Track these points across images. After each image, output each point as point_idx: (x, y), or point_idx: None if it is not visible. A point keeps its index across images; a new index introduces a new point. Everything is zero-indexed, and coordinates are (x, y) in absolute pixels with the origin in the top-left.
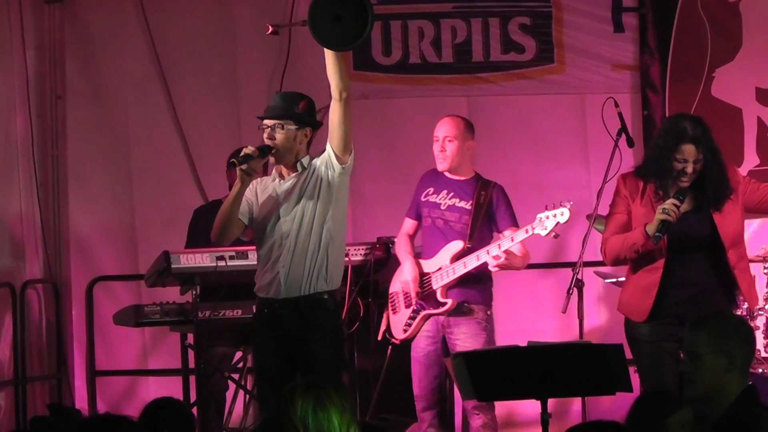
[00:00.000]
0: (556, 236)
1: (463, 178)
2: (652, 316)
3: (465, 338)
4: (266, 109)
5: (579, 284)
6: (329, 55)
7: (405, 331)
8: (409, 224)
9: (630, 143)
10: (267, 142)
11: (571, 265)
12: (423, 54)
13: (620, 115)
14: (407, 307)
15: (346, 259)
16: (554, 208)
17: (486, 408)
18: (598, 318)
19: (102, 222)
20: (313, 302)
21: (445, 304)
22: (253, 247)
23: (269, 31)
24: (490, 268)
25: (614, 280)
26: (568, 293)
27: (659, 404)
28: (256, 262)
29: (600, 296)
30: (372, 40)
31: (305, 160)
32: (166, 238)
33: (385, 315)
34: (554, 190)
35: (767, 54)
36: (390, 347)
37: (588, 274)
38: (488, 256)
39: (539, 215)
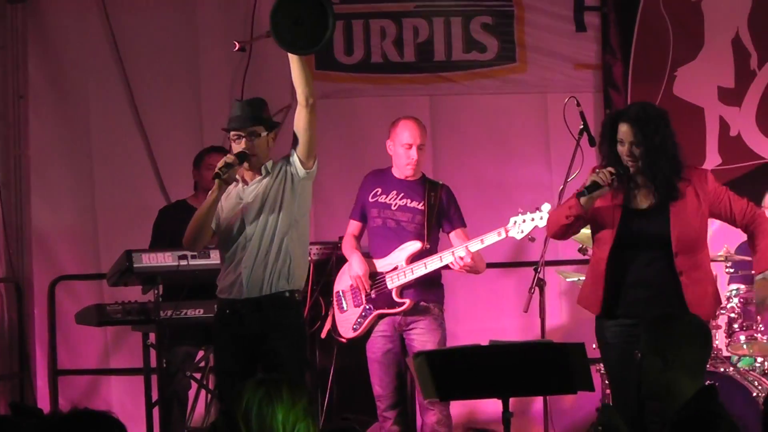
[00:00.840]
0: (532, 239)
1: (412, 179)
2: (609, 313)
3: (422, 333)
4: (235, 119)
5: (541, 283)
6: (294, 61)
7: (355, 330)
8: (354, 226)
9: (592, 142)
10: (238, 149)
11: (533, 264)
12: (385, 53)
13: (582, 114)
14: (356, 305)
15: (309, 258)
16: (528, 211)
17: (441, 404)
18: (560, 317)
19: (64, 221)
20: (275, 301)
21: (401, 304)
22: (215, 247)
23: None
24: (455, 268)
25: (576, 278)
26: (530, 292)
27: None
28: (218, 262)
29: (562, 295)
30: (334, 40)
31: (269, 165)
32: (128, 237)
33: (330, 313)
34: (516, 189)
35: (729, 53)
36: (336, 346)
37: (550, 273)
38: (454, 257)
39: (513, 218)
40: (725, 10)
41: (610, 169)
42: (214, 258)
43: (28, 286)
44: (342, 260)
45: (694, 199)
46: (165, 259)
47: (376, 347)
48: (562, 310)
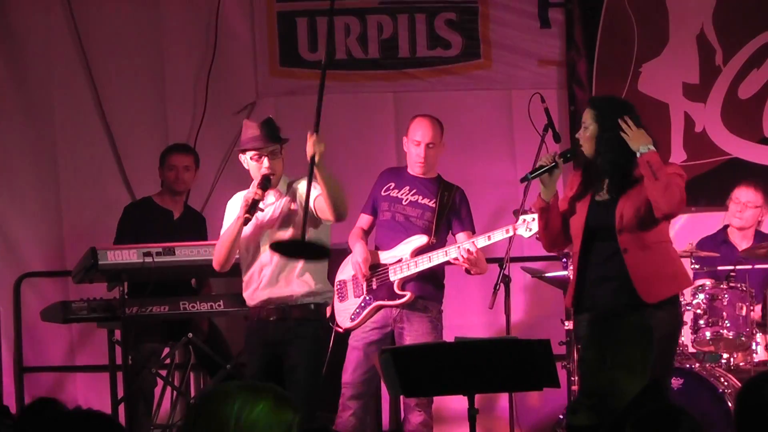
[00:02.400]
0: (539, 238)
1: (426, 177)
2: (579, 307)
3: (416, 336)
4: (256, 138)
5: (506, 280)
6: (323, 201)
7: (352, 320)
8: (364, 219)
9: (556, 139)
10: (264, 171)
11: (498, 260)
12: (349, 50)
13: (547, 110)
14: (357, 296)
15: None
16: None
17: (427, 405)
18: (525, 313)
19: (29, 218)
20: (301, 311)
21: (402, 296)
22: (181, 243)
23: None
24: (457, 262)
25: (541, 275)
26: (495, 289)
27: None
28: (183, 259)
29: (527, 292)
30: (298, 36)
31: (283, 185)
32: (93, 234)
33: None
34: (481, 185)
35: (694, 49)
36: (332, 336)
37: (515, 270)
38: (459, 251)
39: (523, 216)
40: (690, 6)
41: (555, 151)
42: (180, 255)
43: None
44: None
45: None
46: (130, 256)
47: (360, 336)
48: (528, 306)
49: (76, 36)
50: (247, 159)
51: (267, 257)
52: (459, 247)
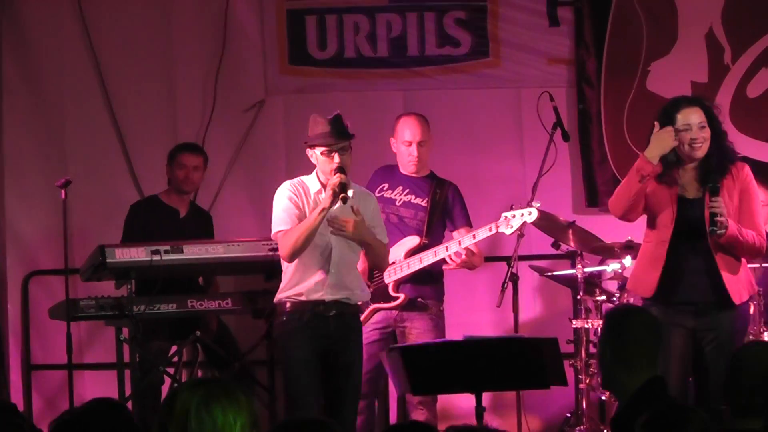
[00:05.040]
0: (521, 235)
1: (419, 176)
2: (663, 299)
3: (418, 334)
4: (331, 134)
5: (514, 278)
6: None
7: None
8: None
9: (565, 137)
10: (335, 165)
11: (506, 259)
12: (358, 48)
13: (555, 109)
14: None
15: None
16: (520, 207)
17: (431, 404)
18: (533, 312)
19: (38, 216)
20: (356, 308)
21: (396, 298)
22: (189, 241)
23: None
24: (446, 265)
25: (549, 273)
26: (503, 287)
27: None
28: (191, 257)
29: (535, 290)
30: (307, 34)
31: (353, 186)
32: (102, 232)
33: None
34: (489, 184)
35: (703, 48)
36: None
37: (523, 268)
38: (447, 252)
39: (504, 213)
40: (699, 5)
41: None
42: (188, 253)
43: (1, 280)
44: None
45: (727, 188)
46: (138, 254)
47: (363, 336)
48: (535, 305)
49: (86, 35)
50: (316, 154)
51: (337, 254)
52: (447, 248)
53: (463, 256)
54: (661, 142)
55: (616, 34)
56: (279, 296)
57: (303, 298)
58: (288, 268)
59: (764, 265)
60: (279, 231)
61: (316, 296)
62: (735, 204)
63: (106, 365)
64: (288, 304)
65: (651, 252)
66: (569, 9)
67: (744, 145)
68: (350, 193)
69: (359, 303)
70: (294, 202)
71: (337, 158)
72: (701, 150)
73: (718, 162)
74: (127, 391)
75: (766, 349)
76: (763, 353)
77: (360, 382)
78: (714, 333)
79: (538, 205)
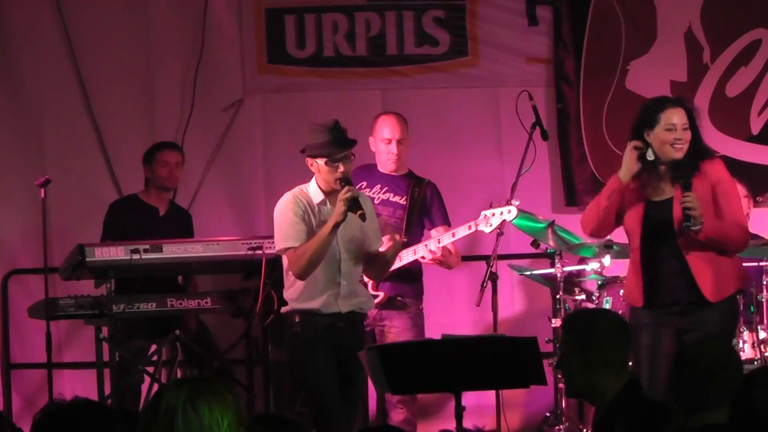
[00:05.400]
0: (501, 234)
1: (397, 174)
2: (648, 303)
3: (397, 332)
4: (334, 142)
5: (493, 277)
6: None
7: None
8: None
9: (544, 136)
10: (338, 175)
11: (486, 258)
12: (337, 47)
13: (534, 108)
14: None
15: (260, 252)
16: (499, 206)
17: (410, 403)
18: (512, 311)
19: (17, 215)
20: (363, 318)
21: (376, 296)
22: (169, 240)
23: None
24: (425, 260)
25: (528, 272)
26: (483, 286)
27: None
28: (170, 256)
29: (514, 289)
30: (286, 33)
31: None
32: (81, 231)
33: None
34: (468, 183)
35: (682, 47)
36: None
37: (502, 267)
38: (425, 250)
39: (484, 212)
40: (678, 4)
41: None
42: (167, 252)
43: None
44: None
45: (700, 184)
46: (118, 253)
47: None
48: (515, 304)
49: (65, 34)
50: (318, 164)
51: (345, 265)
52: (425, 246)
53: (439, 254)
54: (626, 161)
55: (595, 33)
56: (290, 308)
57: (319, 311)
58: (296, 280)
59: (744, 264)
60: (287, 248)
61: (332, 309)
62: (709, 199)
63: (85, 364)
64: (299, 316)
65: (632, 261)
66: (548, 8)
67: (723, 143)
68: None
69: (367, 311)
70: (300, 216)
71: (341, 168)
72: (682, 151)
73: (691, 160)
74: (107, 390)
75: (709, 343)
76: (706, 347)
77: (362, 388)
78: (698, 332)
79: (518, 203)
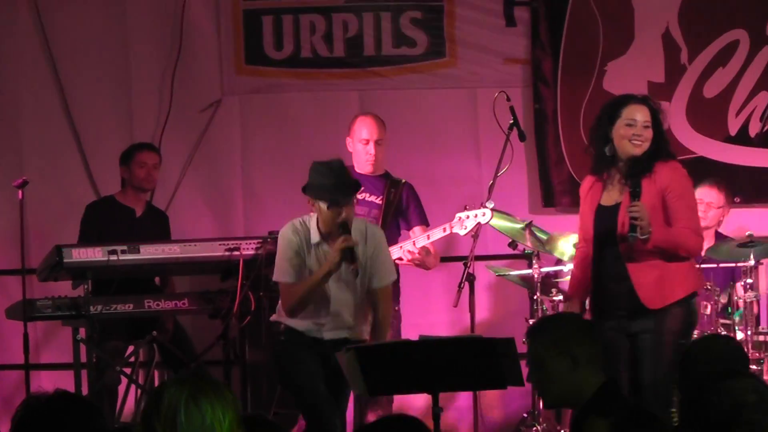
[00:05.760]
0: (476, 236)
1: (373, 174)
2: (596, 309)
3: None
4: (338, 190)
5: (470, 278)
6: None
7: None
8: None
9: (522, 137)
10: (340, 220)
11: (463, 259)
12: (314, 48)
13: (512, 108)
14: None
15: (237, 253)
16: (474, 208)
17: (386, 403)
18: (490, 312)
19: None
20: (355, 342)
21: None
22: (146, 242)
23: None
24: (402, 262)
25: (506, 273)
26: (460, 287)
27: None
28: (147, 257)
29: (491, 290)
30: (263, 34)
31: (355, 230)
32: (59, 232)
33: None
34: (446, 184)
35: (659, 47)
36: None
37: (479, 268)
38: (401, 251)
39: (458, 214)
40: (655, 5)
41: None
42: (144, 253)
43: None
44: (271, 255)
45: (650, 189)
46: (95, 255)
47: None
48: (492, 305)
49: (43, 35)
50: (319, 205)
51: (335, 303)
52: (401, 247)
53: (417, 254)
54: None
55: (573, 34)
56: (277, 318)
57: (302, 332)
58: None
59: (722, 264)
60: (281, 282)
61: (315, 336)
62: (657, 206)
63: (62, 365)
64: (284, 327)
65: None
66: (525, 9)
67: (700, 144)
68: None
69: (361, 338)
70: (296, 252)
71: (344, 214)
72: (641, 148)
73: (646, 161)
74: (84, 391)
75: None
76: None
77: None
78: (651, 335)
79: (492, 205)
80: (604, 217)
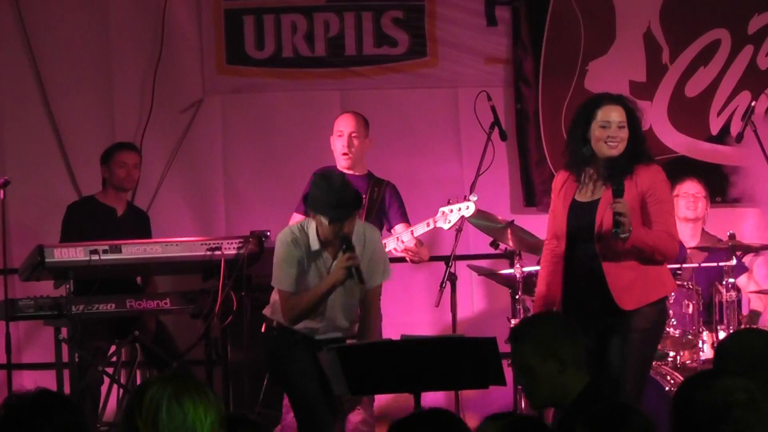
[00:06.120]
0: (459, 230)
1: (356, 174)
2: (567, 308)
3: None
4: (341, 206)
5: (452, 278)
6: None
7: None
8: (296, 219)
9: (503, 137)
10: (342, 234)
11: (444, 258)
12: (296, 48)
13: (493, 108)
14: None
15: (219, 252)
16: (457, 202)
17: (367, 404)
18: (471, 311)
19: None
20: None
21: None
22: (128, 241)
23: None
24: (397, 252)
25: (488, 273)
26: (441, 287)
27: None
28: (129, 257)
29: (473, 290)
30: (245, 34)
31: (355, 239)
32: (41, 232)
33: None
34: (427, 183)
35: (641, 47)
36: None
37: (461, 268)
38: (397, 242)
39: (442, 209)
40: (637, 4)
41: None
42: (126, 253)
43: None
44: (253, 255)
45: (630, 190)
46: (77, 254)
47: None
48: (474, 304)
49: (24, 34)
50: (320, 219)
51: (331, 313)
52: (384, 245)
53: (413, 245)
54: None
55: (554, 34)
56: (270, 314)
57: (294, 331)
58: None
59: (704, 264)
60: (281, 290)
61: (308, 335)
62: (636, 208)
63: (45, 365)
64: (277, 324)
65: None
66: (507, 8)
67: (682, 143)
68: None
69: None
70: (295, 260)
71: (345, 228)
72: (617, 149)
73: (626, 162)
74: (66, 391)
75: (753, 336)
76: (749, 340)
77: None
78: (620, 334)
79: (476, 198)
80: (579, 213)
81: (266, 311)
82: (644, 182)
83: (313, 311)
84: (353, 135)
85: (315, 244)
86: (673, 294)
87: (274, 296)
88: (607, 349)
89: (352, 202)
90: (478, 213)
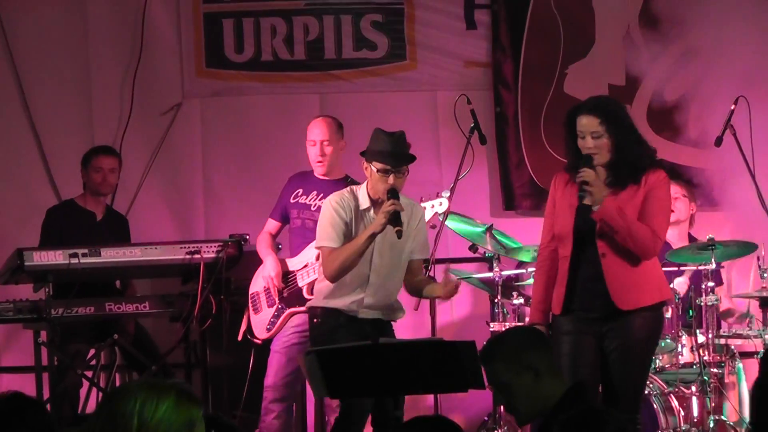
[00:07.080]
0: (433, 227)
1: (333, 179)
2: (567, 311)
3: None
4: (393, 156)
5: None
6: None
7: (268, 330)
8: (271, 224)
9: (482, 140)
10: (388, 186)
11: (424, 262)
12: (275, 51)
13: (473, 112)
14: (270, 306)
15: (198, 256)
16: (430, 199)
17: None
18: (451, 315)
19: None
20: (389, 325)
21: (309, 300)
22: (107, 245)
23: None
24: None
25: (467, 276)
26: None
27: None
28: (108, 260)
29: None
30: (224, 37)
31: (406, 205)
32: (20, 236)
33: (245, 315)
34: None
35: (620, 51)
36: (253, 348)
37: (440, 271)
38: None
39: (422, 204)
40: (616, 8)
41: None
42: (105, 256)
43: None
44: (232, 259)
45: (631, 189)
46: (56, 258)
47: (282, 340)
48: (453, 308)
49: (3, 37)
50: (371, 168)
51: (375, 277)
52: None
53: None
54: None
55: (533, 37)
56: (314, 303)
57: (340, 310)
58: (324, 280)
59: (683, 268)
60: (324, 247)
61: (351, 313)
62: (636, 204)
63: (24, 368)
64: (321, 309)
65: (560, 268)
66: (486, 12)
67: (661, 147)
68: (403, 216)
69: (394, 321)
70: (342, 217)
71: (391, 179)
72: (597, 158)
73: (631, 170)
74: (46, 394)
75: None
76: None
77: None
78: (618, 339)
79: (448, 194)
80: (583, 215)
81: (310, 303)
82: (648, 184)
83: (355, 261)
84: (324, 143)
85: (365, 202)
86: (670, 309)
87: (318, 285)
88: (606, 355)
89: (404, 156)
90: (457, 216)
